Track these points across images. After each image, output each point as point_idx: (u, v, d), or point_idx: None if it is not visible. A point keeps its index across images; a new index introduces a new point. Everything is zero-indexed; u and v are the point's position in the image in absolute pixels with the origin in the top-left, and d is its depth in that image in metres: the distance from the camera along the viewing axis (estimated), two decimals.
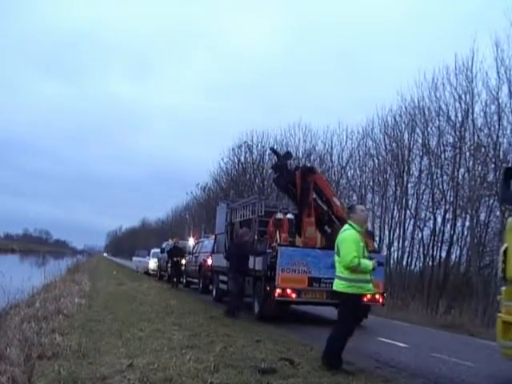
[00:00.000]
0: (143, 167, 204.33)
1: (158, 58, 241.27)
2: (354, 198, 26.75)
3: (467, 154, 21.04)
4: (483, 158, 20.23)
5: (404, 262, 24.25)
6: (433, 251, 22.87)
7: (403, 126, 24.36)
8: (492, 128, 20.03)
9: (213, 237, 18.51)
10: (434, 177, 22.76)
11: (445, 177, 22.47)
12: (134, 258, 48.16)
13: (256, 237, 13.02)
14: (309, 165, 21.80)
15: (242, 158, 35.62)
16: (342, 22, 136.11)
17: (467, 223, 21.27)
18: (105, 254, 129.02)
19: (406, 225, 24.01)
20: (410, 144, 24.00)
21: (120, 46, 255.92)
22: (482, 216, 20.61)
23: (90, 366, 6.03)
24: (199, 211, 48.35)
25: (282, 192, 15.73)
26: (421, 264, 23.75)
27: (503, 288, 7.02)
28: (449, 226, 22.31)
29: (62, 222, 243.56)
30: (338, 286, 6.68)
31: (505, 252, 6.78)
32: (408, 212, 23.90)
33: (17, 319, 8.97)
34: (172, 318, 10.56)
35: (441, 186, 22.65)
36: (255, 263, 12.40)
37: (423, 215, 23.49)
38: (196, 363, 6.23)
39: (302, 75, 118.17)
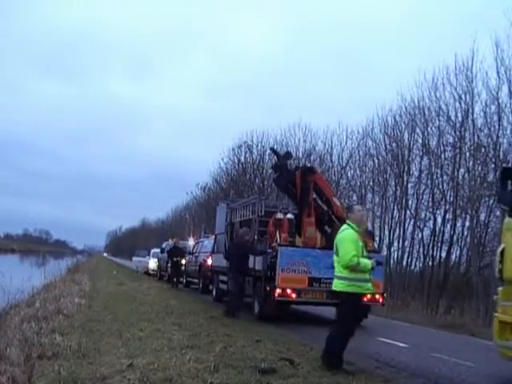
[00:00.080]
0: (143, 167, 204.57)
1: (157, 58, 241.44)
2: (354, 197, 26.76)
3: (467, 154, 21.05)
4: (483, 158, 20.23)
5: (404, 262, 24.26)
6: (433, 251, 22.87)
7: (403, 125, 24.39)
8: (492, 128, 20.03)
9: (213, 237, 18.51)
10: (434, 177, 22.77)
11: (445, 177, 22.49)
12: (134, 258, 48.16)
13: (256, 237, 13.02)
14: (309, 165, 21.81)
15: (242, 158, 35.64)
16: (342, 21, 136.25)
17: (467, 223, 21.28)
18: (105, 254, 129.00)
19: (406, 225, 24.03)
20: (410, 144, 24.01)
21: (120, 45, 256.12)
22: (482, 216, 20.64)
23: (90, 365, 6.03)
24: (199, 211, 48.35)
25: (282, 192, 15.73)
26: (421, 264, 23.77)
27: (500, 288, 7.06)
28: (449, 226, 22.32)
29: (62, 222, 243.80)
30: (337, 285, 6.69)
31: (502, 252, 6.82)
32: (408, 212, 23.91)
33: (17, 319, 8.97)
34: (172, 318, 10.56)
35: (441, 186, 22.66)
36: (255, 263, 12.41)
37: (423, 215, 23.51)
38: (196, 363, 6.23)
39: (302, 75, 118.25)
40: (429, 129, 23.08)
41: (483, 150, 20.29)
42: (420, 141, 23.61)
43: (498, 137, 19.75)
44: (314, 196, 12.28)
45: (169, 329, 9.05)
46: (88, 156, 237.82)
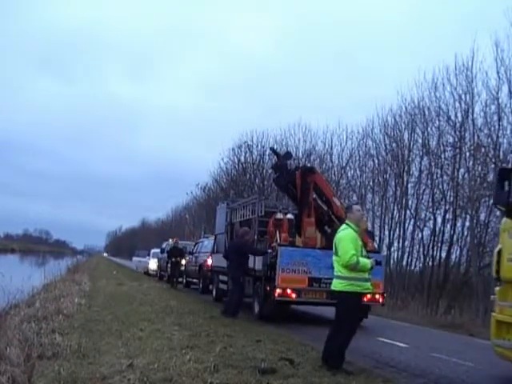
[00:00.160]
0: (143, 167, 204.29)
1: (158, 58, 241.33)
2: (354, 198, 26.72)
3: (467, 154, 21.03)
4: (483, 158, 20.21)
5: (404, 262, 24.24)
6: (433, 251, 22.86)
7: (403, 125, 24.36)
8: (492, 128, 20.02)
9: (213, 237, 18.52)
10: (434, 177, 22.76)
11: (445, 177, 22.46)
12: (134, 258, 48.21)
13: (256, 237, 13.02)
14: (309, 165, 21.81)
15: (242, 158, 35.59)
16: (342, 21, 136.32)
17: (467, 223, 21.26)
18: (105, 254, 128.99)
19: (406, 225, 24.01)
20: (410, 144, 23.99)
21: (120, 45, 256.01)
22: (482, 216, 20.61)
23: (90, 365, 6.03)
24: (199, 211, 48.34)
25: (282, 192, 15.74)
26: (421, 264, 23.75)
27: (497, 288, 7.10)
28: (449, 226, 22.30)
29: (62, 222, 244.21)
30: (336, 285, 6.70)
31: (499, 253, 6.87)
32: (408, 212, 23.89)
33: (17, 319, 8.96)
34: (172, 318, 10.56)
35: (441, 186, 22.64)
36: (255, 263, 12.40)
37: (423, 215, 23.49)
38: (196, 363, 6.24)
39: (302, 75, 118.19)
40: (429, 129, 23.08)
41: (483, 149, 20.27)
42: (420, 141, 23.62)
43: (497, 137, 19.75)
44: (314, 196, 12.28)
45: (169, 329, 9.06)
46: (88, 156, 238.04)
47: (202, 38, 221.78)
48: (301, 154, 30.43)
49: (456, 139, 21.60)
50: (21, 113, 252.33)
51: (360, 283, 6.60)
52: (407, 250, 24.16)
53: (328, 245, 10.75)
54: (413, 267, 24.24)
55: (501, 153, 19.72)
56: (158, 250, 31.67)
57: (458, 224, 21.95)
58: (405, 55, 74.28)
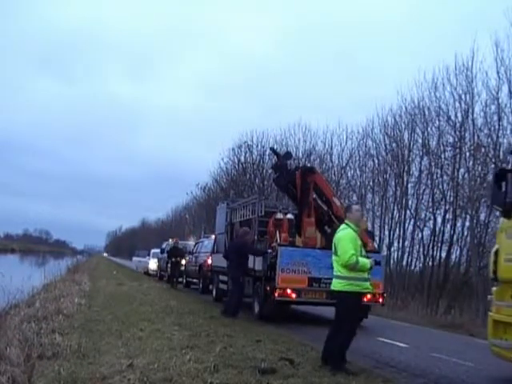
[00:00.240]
0: (143, 167, 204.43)
1: (158, 58, 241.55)
2: (354, 198, 26.72)
3: (467, 154, 21.02)
4: (483, 158, 20.21)
5: (404, 262, 24.24)
6: (433, 251, 22.85)
7: (403, 126, 24.35)
8: (492, 128, 20.02)
9: (213, 237, 18.52)
10: (434, 177, 22.75)
11: (445, 177, 22.46)
12: (134, 258, 48.22)
13: (256, 237, 13.02)
14: (309, 165, 21.80)
15: (242, 158, 35.57)
16: (342, 21, 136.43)
17: (467, 223, 21.26)
18: (105, 254, 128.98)
19: (406, 225, 24.00)
20: (410, 144, 23.99)
21: (120, 45, 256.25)
22: (482, 216, 20.60)
23: (90, 365, 6.03)
24: (199, 211, 48.34)
25: (282, 192, 15.74)
26: (421, 264, 23.74)
27: (494, 288, 7.13)
28: (449, 226, 22.30)
29: (61, 222, 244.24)
30: (335, 285, 6.71)
31: (496, 253, 6.90)
32: (408, 212, 23.89)
33: (17, 319, 8.96)
34: (172, 318, 10.56)
35: (441, 186, 22.64)
36: (255, 263, 12.40)
37: (423, 215, 23.49)
38: (196, 363, 6.24)
39: (302, 75, 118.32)
40: (429, 129, 23.08)
41: (483, 149, 20.27)
42: (420, 141, 23.61)
43: (497, 137, 19.75)
44: (314, 196, 12.28)
45: (169, 329, 9.05)
46: (88, 156, 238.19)
47: (201, 37, 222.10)
48: (301, 154, 30.44)
49: (456, 139, 21.59)
50: (21, 113, 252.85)
51: (359, 283, 6.61)
52: (407, 249, 24.18)
53: (328, 245, 10.73)
54: (413, 267, 24.25)
55: (501, 153, 19.71)
56: (157, 250, 31.67)
57: (458, 224, 21.96)
58: (405, 55, 74.41)
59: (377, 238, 22.93)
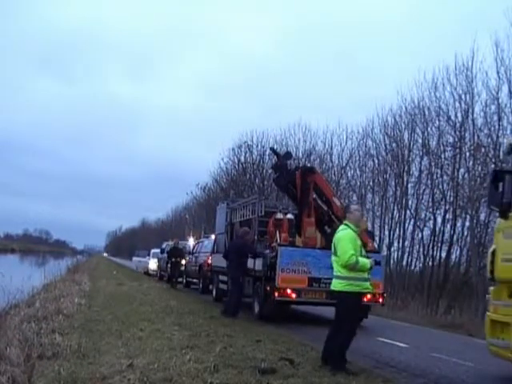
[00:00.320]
0: (143, 167, 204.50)
1: (158, 58, 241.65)
2: (354, 198, 26.73)
3: (467, 154, 21.03)
4: (483, 158, 20.21)
5: (404, 262, 24.24)
6: (433, 251, 22.85)
7: (403, 126, 24.36)
8: (492, 128, 20.02)
9: (213, 237, 18.52)
10: (434, 177, 22.75)
11: (445, 177, 22.46)
12: (134, 258, 48.22)
13: (256, 237, 13.02)
14: (309, 165, 21.80)
15: (242, 158, 35.60)
16: (342, 21, 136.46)
17: (467, 223, 21.26)
18: (105, 254, 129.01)
19: (406, 225, 24.01)
20: (410, 144, 23.99)
21: (120, 45, 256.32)
22: (482, 216, 20.59)
23: (90, 365, 6.03)
24: (199, 211, 48.36)
25: (282, 192, 15.73)
26: (421, 264, 23.74)
27: (491, 288, 7.17)
28: (449, 226, 22.30)
29: (61, 222, 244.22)
30: (336, 285, 6.71)
31: (493, 253, 6.94)
32: (408, 212, 23.89)
33: (17, 319, 8.96)
34: (172, 318, 10.56)
35: (441, 186, 22.64)
36: (255, 263, 12.40)
37: (423, 215, 23.49)
38: (196, 363, 6.24)
39: (302, 75, 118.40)
40: (429, 129, 23.08)
41: (483, 149, 20.27)
42: (420, 141, 23.62)
43: (497, 137, 19.73)
44: (314, 196, 12.28)
45: (169, 329, 9.05)
46: (88, 156, 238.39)
47: (201, 37, 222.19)
48: (301, 154, 30.46)
49: (456, 139, 21.60)
50: (21, 113, 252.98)
51: (360, 283, 6.62)
52: (407, 249, 24.18)
53: (328, 245, 10.73)
54: (413, 267, 24.26)
55: (501, 153, 19.70)
56: (157, 250, 31.67)
57: (458, 224, 21.96)
58: (405, 55, 74.42)
59: (377, 238, 22.93)
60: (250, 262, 12.46)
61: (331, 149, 29.57)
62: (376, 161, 26.21)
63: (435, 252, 22.79)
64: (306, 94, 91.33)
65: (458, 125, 21.28)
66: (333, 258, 6.77)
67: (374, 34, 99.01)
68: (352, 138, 28.44)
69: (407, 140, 24.17)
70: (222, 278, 15.39)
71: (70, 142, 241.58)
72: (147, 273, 34.02)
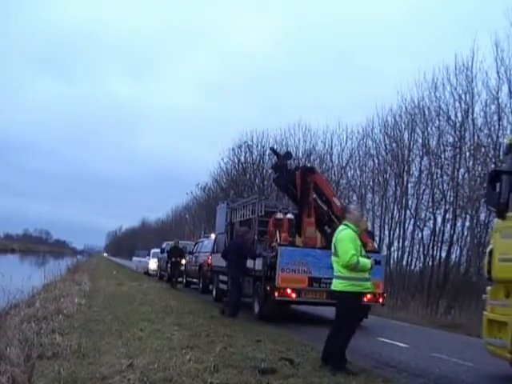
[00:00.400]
0: (143, 167, 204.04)
1: (158, 58, 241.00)
2: (354, 198, 26.73)
3: (467, 153, 21.04)
4: (483, 158, 20.22)
5: (404, 262, 24.25)
6: (433, 251, 22.86)
7: (403, 125, 24.36)
8: (492, 128, 20.03)
9: (213, 236, 18.52)
10: (434, 177, 22.75)
11: (445, 177, 22.46)
12: (134, 258, 48.20)
13: (256, 237, 13.02)
14: (309, 165, 21.80)
15: (242, 158, 35.59)
16: (342, 21, 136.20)
17: (467, 223, 21.27)
18: (105, 254, 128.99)
19: (406, 225, 24.01)
20: (410, 144, 23.99)
21: (120, 45, 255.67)
22: (482, 216, 20.59)
23: (90, 365, 6.03)
24: (199, 211, 48.33)
25: (282, 192, 15.74)
26: (421, 264, 23.75)
27: (488, 288, 7.21)
28: (449, 226, 22.30)
29: (61, 222, 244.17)
30: (336, 285, 6.71)
31: (490, 253, 6.98)
32: (408, 212, 23.89)
33: (17, 319, 8.97)
34: (172, 318, 10.56)
35: (441, 186, 22.64)
36: (255, 263, 12.40)
37: (423, 215, 23.49)
38: (196, 363, 6.24)
39: (302, 75, 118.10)
40: (429, 129, 23.09)
41: (483, 149, 20.28)
42: (420, 141, 23.62)
43: (497, 137, 19.73)
44: (314, 196, 12.29)
45: (169, 329, 9.06)
46: (88, 156, 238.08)
47: (201, 37, 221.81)
48: (301, 154, 30.46)
49: (456, 139, 21.60)
50: (21, 113, 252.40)
51: (360, 283, 6.62)
52: (407, 249, 24.18)
53: (328, 245, 10.74)
54: (413, 267, 24.26)
55: (501, 153, 19.71)
56: (157, 250, 31.67)
57: (458, 224, 21.96)
58: (405, 55, 74.31)
59: (377, 238, 22.93)
60: (249, 262, 12.47)
61: (331, 149, 29.61)
62: (376, 161, 26.24)
63: (435, 252, 22.81)
64: (306, 94, 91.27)
65: (457, 125, 21.29)
66: (333, 258, 6.77)
67: (374, 33, 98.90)
68: (352, 138, 28.48)
69: (407, 140, 24.19)
70: (222, 277, 15.39)
71: (70, 141, 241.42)
72: (147, 273, 34.03)
